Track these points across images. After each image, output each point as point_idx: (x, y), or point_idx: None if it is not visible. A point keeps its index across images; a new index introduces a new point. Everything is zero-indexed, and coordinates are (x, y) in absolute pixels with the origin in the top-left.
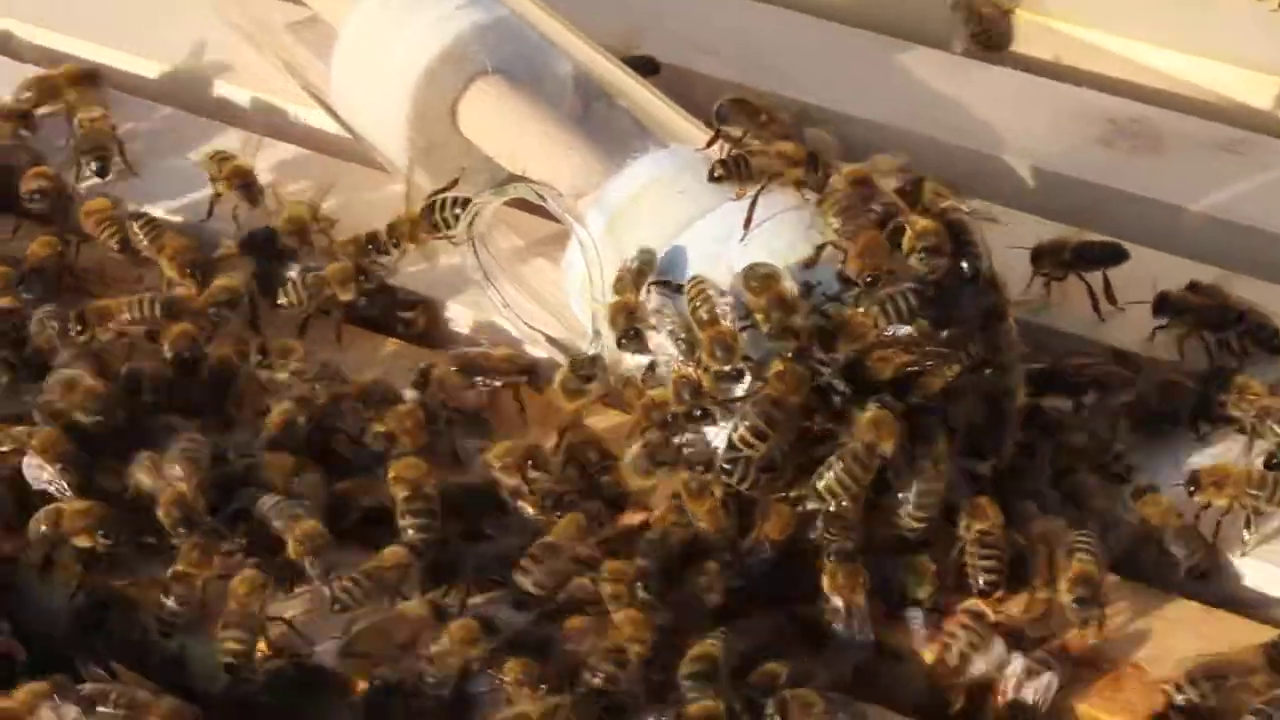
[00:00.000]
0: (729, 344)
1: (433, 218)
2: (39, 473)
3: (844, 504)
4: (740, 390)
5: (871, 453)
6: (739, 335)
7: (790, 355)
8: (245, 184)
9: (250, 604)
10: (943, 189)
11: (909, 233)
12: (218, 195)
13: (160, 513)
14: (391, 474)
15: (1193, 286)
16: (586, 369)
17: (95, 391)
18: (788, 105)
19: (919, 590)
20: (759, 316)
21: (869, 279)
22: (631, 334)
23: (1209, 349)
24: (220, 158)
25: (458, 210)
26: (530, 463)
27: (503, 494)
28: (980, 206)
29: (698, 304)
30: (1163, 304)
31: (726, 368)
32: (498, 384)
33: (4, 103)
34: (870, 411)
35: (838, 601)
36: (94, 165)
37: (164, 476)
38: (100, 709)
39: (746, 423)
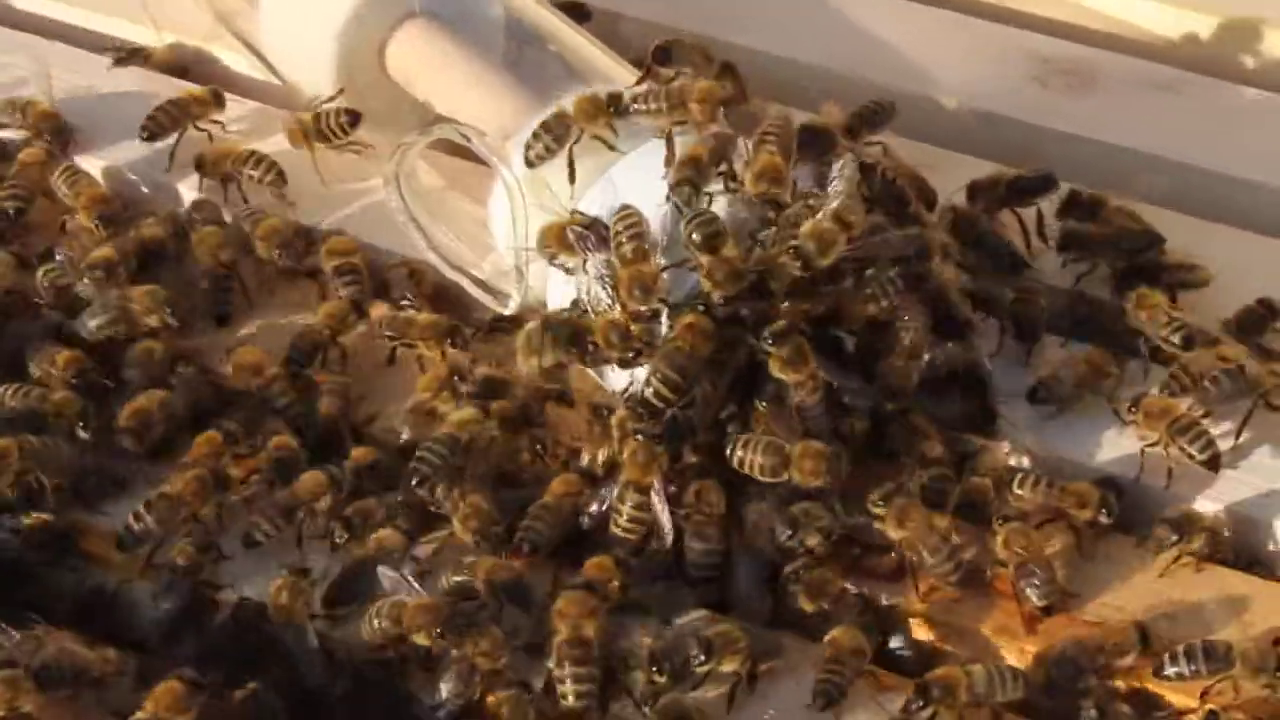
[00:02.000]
0: (648, 285)
1: (319, 127)
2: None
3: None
4: (661, 331)
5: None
6: (660, 277)
7: (701, 308)
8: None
9: None
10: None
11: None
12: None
13: None
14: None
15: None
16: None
17: None
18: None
19: (809, 539)
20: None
21: (767, 201)
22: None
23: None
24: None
25: (344, 119)
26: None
27: None
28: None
29: (623, 239)
30: None
31: (644, 309)
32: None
33: None
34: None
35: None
36: None
37: None
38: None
39: (658, 376)
